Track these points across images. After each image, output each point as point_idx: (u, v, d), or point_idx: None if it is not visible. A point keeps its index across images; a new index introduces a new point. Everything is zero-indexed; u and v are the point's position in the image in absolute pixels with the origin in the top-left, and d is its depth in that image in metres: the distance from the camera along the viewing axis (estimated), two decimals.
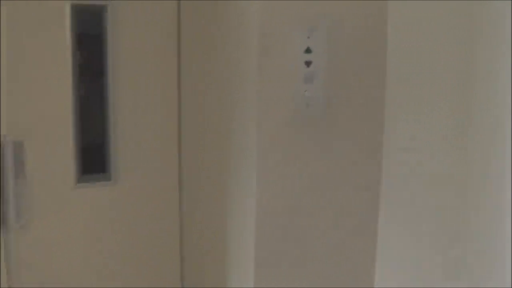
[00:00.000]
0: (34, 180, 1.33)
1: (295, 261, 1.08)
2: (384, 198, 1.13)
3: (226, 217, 1.19)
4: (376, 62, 1.09)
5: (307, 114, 1.05)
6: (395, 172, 1.08)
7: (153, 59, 1.43)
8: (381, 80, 1.10)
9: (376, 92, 1.10)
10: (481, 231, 0.90)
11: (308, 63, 1.04)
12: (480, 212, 0.90)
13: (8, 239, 1.32)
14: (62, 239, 1.39)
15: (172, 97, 1.45)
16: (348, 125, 1.08)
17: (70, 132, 1.38)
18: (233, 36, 1.13)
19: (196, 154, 1.40)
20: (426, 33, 1.01)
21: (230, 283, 1.19)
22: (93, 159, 1.47)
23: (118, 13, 1.39)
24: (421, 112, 1.02)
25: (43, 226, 1.36)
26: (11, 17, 1.26)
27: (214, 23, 1.22)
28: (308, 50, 1.04)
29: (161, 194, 1.47)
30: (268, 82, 1.02)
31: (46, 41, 1.32)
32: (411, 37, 1.04)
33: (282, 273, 1.08)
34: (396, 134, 1.09)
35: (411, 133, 1.05)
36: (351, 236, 1.12)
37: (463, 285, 0.93)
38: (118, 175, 1.45)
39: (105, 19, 1.40)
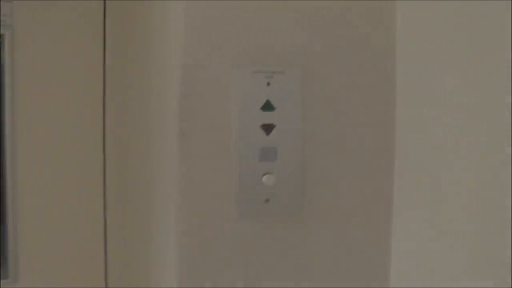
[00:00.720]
0: None
1: None
2: None
3: None
4: (382, 120, 0.66)
5: (267, 213, 0.62)
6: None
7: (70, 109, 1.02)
8: (390, 150, 0.66)
9: (382, 169, 0.66)
10: None
11: (268, 128, 0.61)
12: None
13: None
14: None
15: (97, 156, 1.02)
16: (338, 228, 0.64)
17: None
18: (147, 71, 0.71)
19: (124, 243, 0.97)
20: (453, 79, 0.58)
21: None
22: None
23: (18, 47, 0.99)
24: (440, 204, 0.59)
25: None
26: None
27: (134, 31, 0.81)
28: (267, 106, 0.61)
29: None
30: (195, 164, 0.59)
31: None
32: (428, 85, 0.61)
33: None
34: (407, 234, 0.65)
35: (426, 231, 0.61)
36: None
37: None
38: (18, 270, 1.02)
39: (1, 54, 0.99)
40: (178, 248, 0.59)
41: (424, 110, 0.63)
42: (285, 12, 0.61)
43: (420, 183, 0.64)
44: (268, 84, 0.61)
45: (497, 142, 0.55)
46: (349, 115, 0.64)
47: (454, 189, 0.59)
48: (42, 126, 1.02)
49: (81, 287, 1.05)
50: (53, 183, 1.02)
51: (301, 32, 0.62)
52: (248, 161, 0.60)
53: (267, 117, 0.61)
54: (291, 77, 0.62)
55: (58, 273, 1.04)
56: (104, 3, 1.02)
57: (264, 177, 0.61)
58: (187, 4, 0.58)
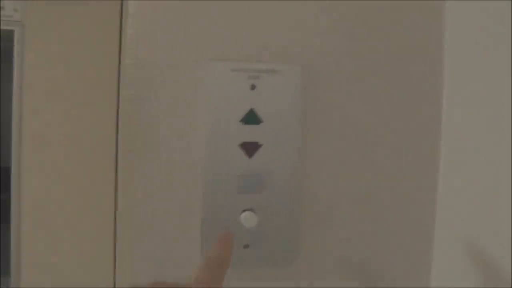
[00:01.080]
0: None
1: None
2: None
3: None
4: (409, 142, 0.47)
5: (245, 263, 0.46)
6: None
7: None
8: (417, 184, 0.47)
9: (403, 209, 0.47)
10: None
11: (250, 148, 0.45)
12: None
13: None
14: None
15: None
16: (343, 285, 0.47)
17: None
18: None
19: None
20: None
21: None
22: None
23: (29, 43, 0.90)
24: None
25: None
26: None
27: None
28: (251, 118, 0.45)
29: None
30: (145, 193, 0.44)
31: None
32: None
33: None
34: None
35: None
36: None
37: None
38: (20, 270, 0.93)
39: (11, 50, 0.91)
40: None
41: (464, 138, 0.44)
42: None
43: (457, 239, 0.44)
44: (253, 87, 0.45)
45: None
46: (363, 132, 0.46)
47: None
48: (51, 124, 0.93)
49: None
50: (61, 181, 0.93)
51: (303, 22, 0.44)
52: (221, 192, 0.44)
53: (250, 133, 0.45)
54: (286, 78, 0.45)
55: (63, 274, 0.95)
56: (121, 3, 0.91)
57: (244, 215, 0.45)
58: None
